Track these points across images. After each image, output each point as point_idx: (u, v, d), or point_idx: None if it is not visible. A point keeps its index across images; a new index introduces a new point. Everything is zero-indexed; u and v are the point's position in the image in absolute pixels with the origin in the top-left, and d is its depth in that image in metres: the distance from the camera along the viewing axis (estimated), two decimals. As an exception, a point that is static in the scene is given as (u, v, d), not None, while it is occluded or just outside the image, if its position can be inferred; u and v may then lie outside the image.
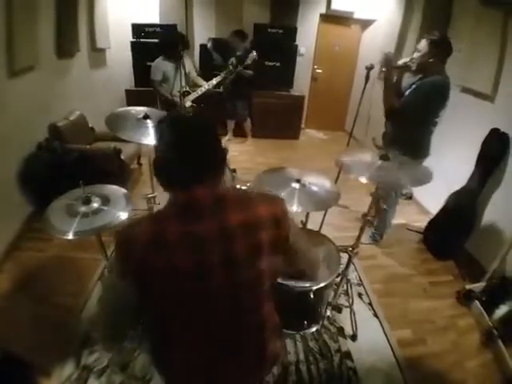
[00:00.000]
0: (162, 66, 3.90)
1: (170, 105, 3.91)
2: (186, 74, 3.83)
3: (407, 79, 2.70)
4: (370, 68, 2.70)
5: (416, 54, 2.47)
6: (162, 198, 2.42)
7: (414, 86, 2.54)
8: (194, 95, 4.07)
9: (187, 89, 3.94)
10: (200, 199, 0.86)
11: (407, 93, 2.57)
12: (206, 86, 4.13)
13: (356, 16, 5.59)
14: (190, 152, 0.88)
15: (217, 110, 4.96)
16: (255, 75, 4.58)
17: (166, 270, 0.86)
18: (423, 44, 2.42)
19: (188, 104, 4.01)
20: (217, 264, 0.87)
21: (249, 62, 4.36)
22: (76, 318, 2.21)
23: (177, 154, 0.88)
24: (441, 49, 2.40)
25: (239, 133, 5.48)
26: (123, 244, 0.89)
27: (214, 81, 4.19)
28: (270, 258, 0.94)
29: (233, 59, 4.38)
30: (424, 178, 1.76)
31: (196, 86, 4.22)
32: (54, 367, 1.90)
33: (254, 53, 4.34)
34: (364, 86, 2.79)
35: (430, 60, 2.42)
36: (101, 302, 2.01)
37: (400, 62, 2.56)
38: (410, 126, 2.54)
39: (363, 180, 1.71)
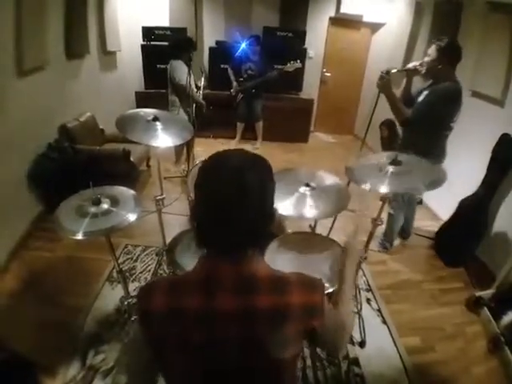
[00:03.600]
0: (185, 70, 3.91)
1: (198, 107, 3.95)
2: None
3: (418, 84, 2.67)
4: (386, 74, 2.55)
5: (426, 59, 2.47)
6: (170, 199, 2.43)
7: (425, 93, 2.53)
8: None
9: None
10: (223, 277, 0.78)
11: (419, 99, 2.55)
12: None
13: (365, 19, 5.58)
14: (222, 213, 0.77)
15: (226, 112, 4.99)
16: (279, 77, 4.66)
17: (179, 343, 0.80)
18: (432, 49, 2.42)
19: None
20: (232, 344, 0.79)
21: (290, 70, 4.49)
22: (83, 318, 2.22)
23: (207, 212, 0.79)
24: (449, 55, 2.39)
25: (249, 135, 5.49)
26: (141, 309, 0.83)
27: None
28: (295, 346, 0.85)
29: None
30: (439, 180, 1.68)
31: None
32: (59, 367, 1.90)
33: (299, 62, 4.51)
34: (378, 94, 2.57)
35: (439, 66, 2.41)
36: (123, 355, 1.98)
37: (410, 66, 2.55)
38: (424, 132, 2.50)
39: (381, 190, 1.65)
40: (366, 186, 1.66)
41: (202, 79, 4.19)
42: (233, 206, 0.75)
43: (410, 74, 2.61)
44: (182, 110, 3.91)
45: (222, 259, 0.79)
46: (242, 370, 0.83)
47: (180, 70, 3.79)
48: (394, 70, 2.46)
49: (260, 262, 0.83)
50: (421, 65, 2.49)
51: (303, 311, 0.80)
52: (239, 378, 0.84)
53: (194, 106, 3.87)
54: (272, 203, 0.83)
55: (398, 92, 2.60)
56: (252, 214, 0.77)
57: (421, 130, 2.50)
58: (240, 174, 0.75)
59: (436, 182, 1.67)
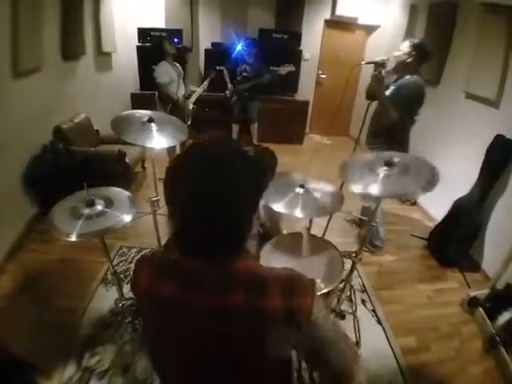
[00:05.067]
0: (167, 70, 3.93)
1: (176, 107, 3.92)
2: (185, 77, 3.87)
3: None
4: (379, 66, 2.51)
5: (396, 53, 2.59)
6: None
7: (393, 87, 2.62)
8: (194, 97, 4.09)
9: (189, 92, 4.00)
10: (201, 273, 0.75)
11: (387, 93, 2.61)
12: (204, 86, 4.18)
13: (360, 22, 5.61)
14: (197, 211, 0.72)
15: (221, 113, 4.98)
16: (272, 80, 4.66)
17: (155, 324, 0.82)
18: (405, 45, 2.57)
19: (190, 106, 4.06)
20: (208, 339, 0.77)
21: (283, 73, 4.48)
22: (78, 320, 2.21)
23: (182, 210, 0.75)
24: (420, 51, 2.55)
25: (244, 137, 5.48)
26: (132, 280, 0.85)
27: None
28: (277, 348, 0.81)
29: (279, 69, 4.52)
30: (432, 180, 1.68)
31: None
32: (56, 369, 1.90)
33: (292, 65, 4.50)
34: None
35: (408, 60, 2.56)
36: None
37: (378, 59, 2.48)
38: (393, 124, 2.56)
39: (373, 193, 1.65)
40: (356, 190, 1.67)
41: (206, 81, 4.18)
42: (209, 205, 0.71)
43: (377, 67, 2.62)
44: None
45: (200, 256, 0.75)
46: (220, 364, 0.82)
47: (157, 70, 3.87)
48: (362, 63, 2.58)
49: (241, 261, 0.78)
50: (388, 59, 2.51)
51: (284, 316, 0.73)
52: (221, 372, 0.83)
53: (171, 105, 3.90)
54: (256, 199, 0.79)
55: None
56: (232, 211, 0.73)
57: (391, 124, 2.57)
58: (217, 168, 0.72)
59: (431, 182, 1.67)
